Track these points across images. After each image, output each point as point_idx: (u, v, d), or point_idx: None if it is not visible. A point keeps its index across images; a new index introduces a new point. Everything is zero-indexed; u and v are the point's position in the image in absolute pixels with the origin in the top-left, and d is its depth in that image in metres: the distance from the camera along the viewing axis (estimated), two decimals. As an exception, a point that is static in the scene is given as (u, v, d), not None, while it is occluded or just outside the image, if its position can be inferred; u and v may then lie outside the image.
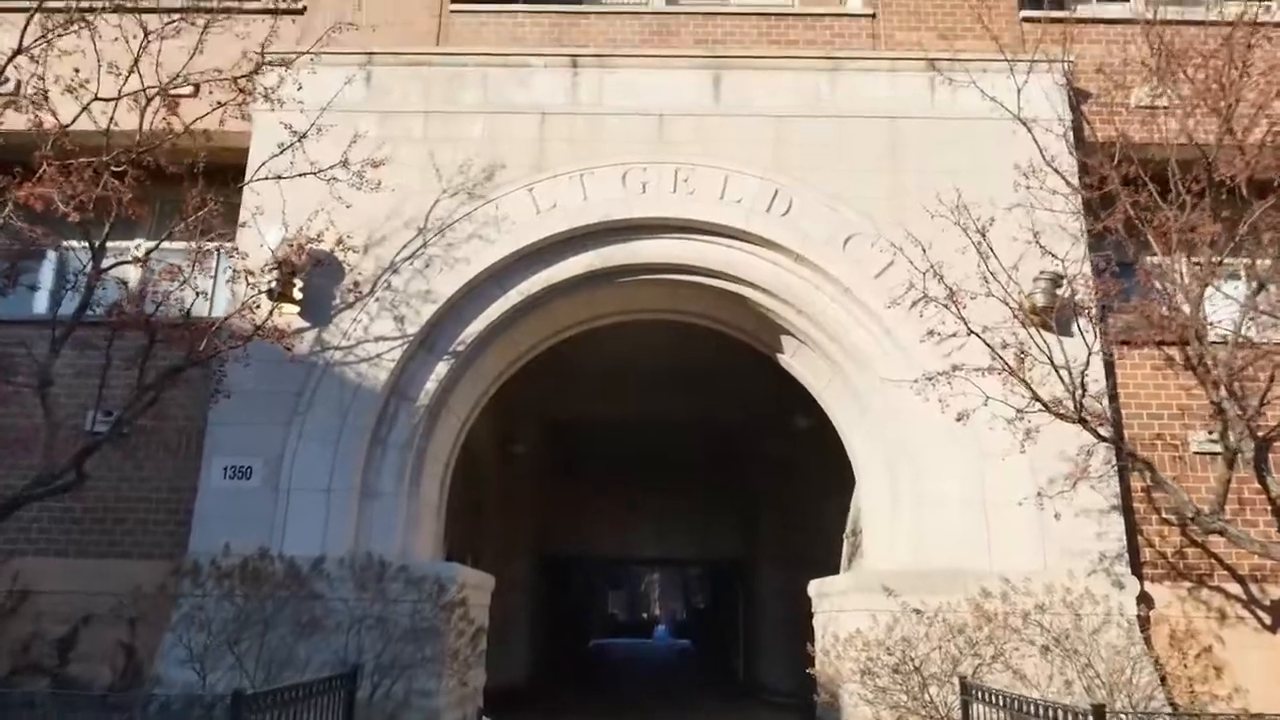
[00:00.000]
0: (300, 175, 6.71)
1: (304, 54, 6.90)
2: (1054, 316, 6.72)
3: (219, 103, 6.27)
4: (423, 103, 7.99)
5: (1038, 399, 5.42)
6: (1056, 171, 6.72)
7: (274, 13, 8.86)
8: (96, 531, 7.15)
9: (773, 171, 7.61)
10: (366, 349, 7.18)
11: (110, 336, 5.81)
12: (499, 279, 7.52)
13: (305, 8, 8.83)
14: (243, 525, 6.62)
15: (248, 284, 6.52)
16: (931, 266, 5.86)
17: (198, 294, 6.12)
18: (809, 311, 7.48)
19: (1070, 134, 7.44)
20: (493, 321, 7.50)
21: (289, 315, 7.16)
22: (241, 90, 6.02)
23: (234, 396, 6.82)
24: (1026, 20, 8.42)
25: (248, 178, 7.01)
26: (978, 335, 5.64)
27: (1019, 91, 6.65)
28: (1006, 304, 5.84)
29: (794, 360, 8.14)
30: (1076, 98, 7.89)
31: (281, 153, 6.53)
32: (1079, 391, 5.45)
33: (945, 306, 5.71)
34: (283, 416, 6.94)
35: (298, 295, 7.20)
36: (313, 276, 7.21)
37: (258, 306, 6.43)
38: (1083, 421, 5.41)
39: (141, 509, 7.15)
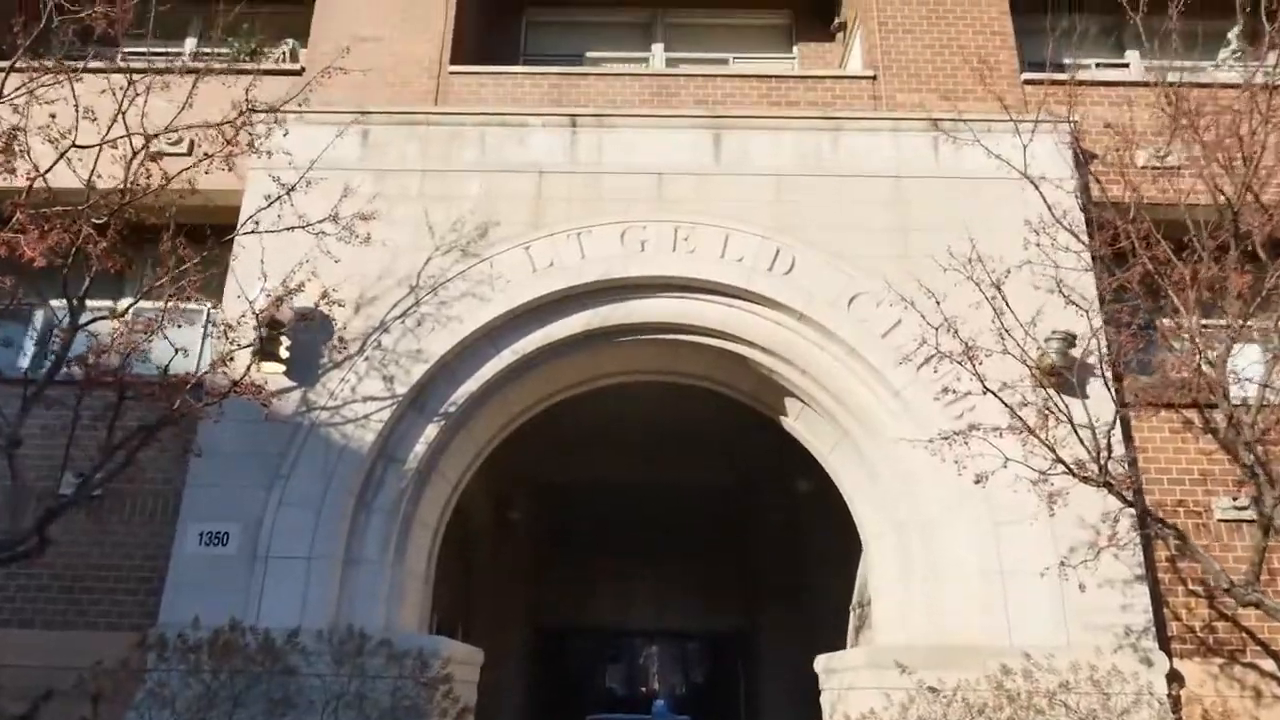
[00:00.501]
0: (289, 229, 6.55)
1: (284, 107, 6.75)
2: (1071, 376, 6.48)
3: (206, 154, 6.15)
4: (419, 161, 7.89)
5: (1060, 461, 5.13)
6: (1068, 229, 6.57)
7: (271, 73, 8.89)
8: (64, 601, 6.77)
9: (774, 230, 7.46)
10: (354, 409, 6.92)
11: (80, 394, 5.54)
12: (493, 338, 7.30)
13: (303, 69, 8.82)
14: (217, 595, 6.25)
15: (228, 340, 6.28)
16: (946, 320, 5.64)
17: (176, 350, 5.86)
18: (813, 372, 7.24)
19: (1078, 193, 7.35)
20: (486, 381, 7.25)
21: (274, 373, 6.92)
22: (229, 142, 5.86)
23: (214, 458, 6.55)
24: (1028, 83, 8.39)
25: (236, 232, 6.88)
26: (994, 394, 5.39)
27: (1025, 149, 6.53)
28: (1024, 362, 5.59)
29: (797, 423, 7.86)
30: (1082, 157, 7.81)
31: (269, 205, 6.37)
32: (1104, 454, 5.16)
33: (959, 363, 5.46)
34: (264, 479, 6.63)
35: (284, 353, 6.97)
36: (300, 334, 6.99)
37: (231, 360, 6.16)
38: (1108, 485, 5.11)
39: (112, 577, 6.78)
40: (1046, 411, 5.22)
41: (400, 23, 9.04)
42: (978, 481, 5.55)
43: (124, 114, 5.66)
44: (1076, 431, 5.22)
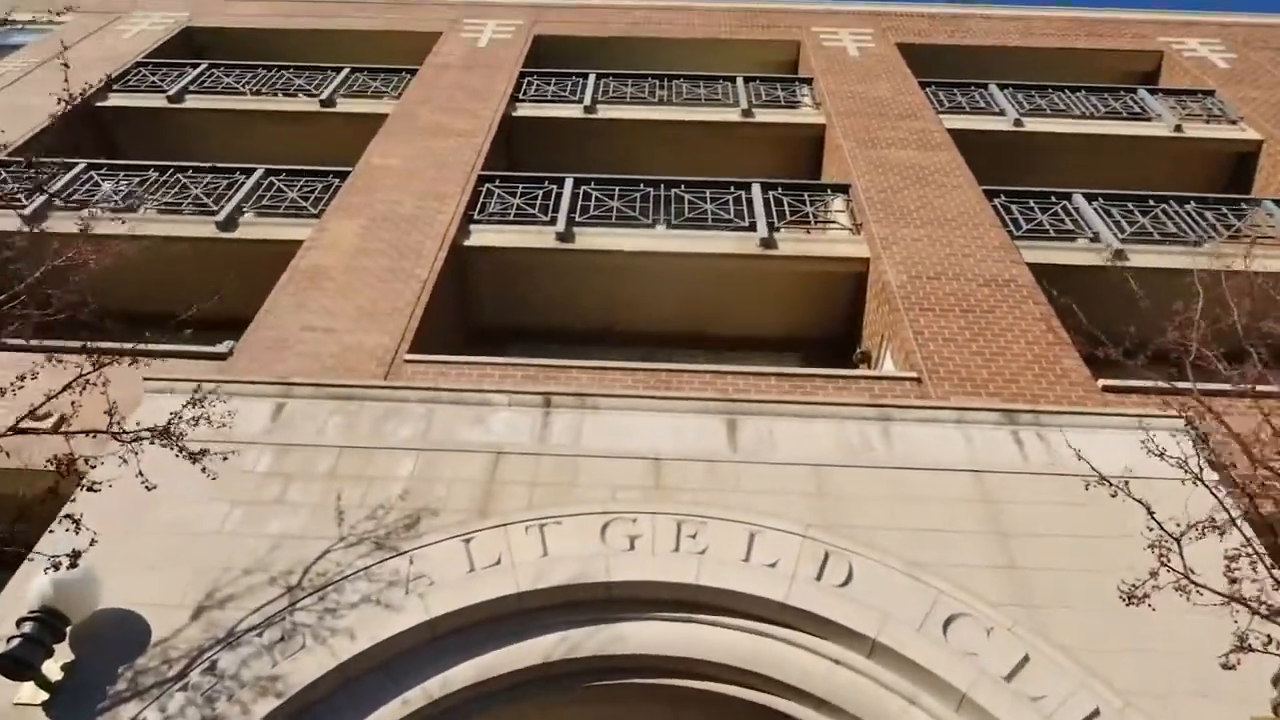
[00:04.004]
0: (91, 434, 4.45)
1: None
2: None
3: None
4: (340, 437, 6.01)
5: None
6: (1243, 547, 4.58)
7: (197, 356, 7.45)
8: None
9: (818, 530, 5.31)
10: (136, 774, 4.10)
11: None
12: (394, 668, 4.70)
13: (231, 351, 7.35)
14: None
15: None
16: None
17: None
18: (900, 741, 4.54)
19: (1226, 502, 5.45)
20: (373, 741, 4.50)
21: (29, 705, 4.26)
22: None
23: None
24: (1108, 389, 6.88)
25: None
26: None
27: (1192, 453, 4.89)
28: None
29: None
30: (1204, 464, 5.99)
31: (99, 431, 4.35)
32: None
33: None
34: None
35: (56, 674, 4.36)
36: (93, 646, 4.46)
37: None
38: None
39: None
40: None
41: (359, 317, 7.73)
42: None
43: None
44: None
